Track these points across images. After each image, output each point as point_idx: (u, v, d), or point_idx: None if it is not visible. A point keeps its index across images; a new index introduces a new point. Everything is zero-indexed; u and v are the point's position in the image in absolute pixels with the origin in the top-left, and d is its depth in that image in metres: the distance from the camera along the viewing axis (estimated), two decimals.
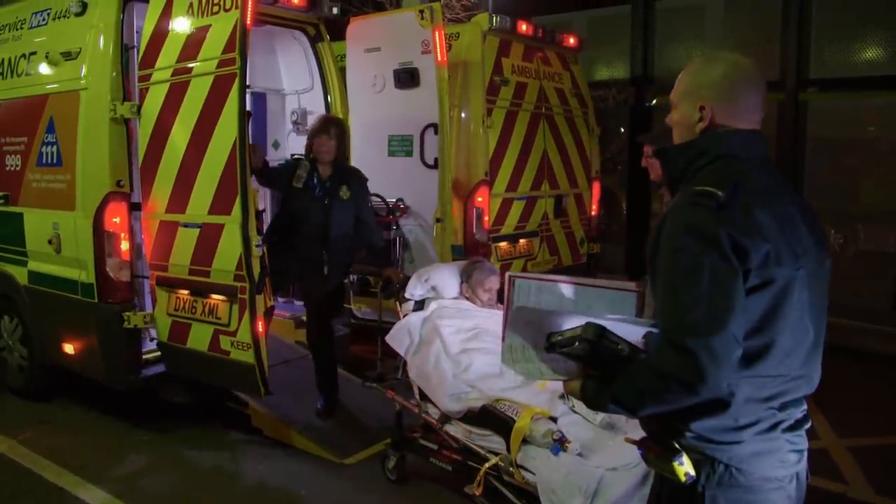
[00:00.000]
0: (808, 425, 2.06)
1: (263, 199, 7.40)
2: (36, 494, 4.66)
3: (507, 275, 3.42)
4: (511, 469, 3.78)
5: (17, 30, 5.92)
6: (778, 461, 1.97)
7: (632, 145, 9.98)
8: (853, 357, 7.52)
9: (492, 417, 4.02)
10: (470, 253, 6.69)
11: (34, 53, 5.65)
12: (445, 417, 4.30)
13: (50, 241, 5.41)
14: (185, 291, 5.11)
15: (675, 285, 1.88)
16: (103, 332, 5.21)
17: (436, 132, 6.42)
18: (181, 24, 4.95)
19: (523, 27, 7.30)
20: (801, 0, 8.82)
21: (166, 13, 5.02)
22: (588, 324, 1.95)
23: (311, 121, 6.57)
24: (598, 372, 2.00)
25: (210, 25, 4.74)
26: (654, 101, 10.25)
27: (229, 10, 4.65)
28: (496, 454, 3.92)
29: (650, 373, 1.87)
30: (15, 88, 5.84)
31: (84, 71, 5.18)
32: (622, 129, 10.91)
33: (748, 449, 1.93)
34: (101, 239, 5.06)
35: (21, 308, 5.91)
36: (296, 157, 5.78)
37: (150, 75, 5.10)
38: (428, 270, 5.00)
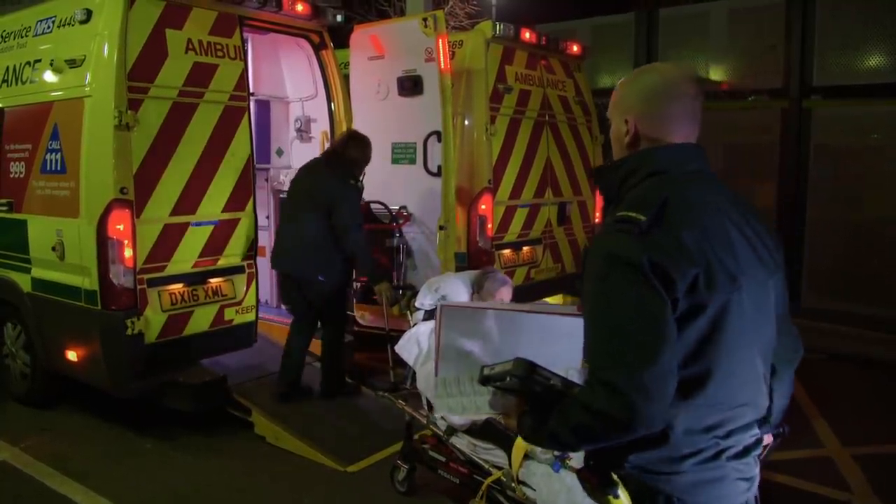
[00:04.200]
0: (758, 451, 1.96)
1: (267, 205, 7.42)
2: (39, 502, 4.66)
3: (438, 305, 3.33)
4: (513, 484, 3.76)
5: (21, 37, 5.93)
6: (722, 490, 1.86)
7: None
8: (857, 365, 7.51)
9: (495, 431, 4.01)
10: (473, 260, 6.68)
11: (39, 61, 5.66)
12: (452, 430, 4.28)
13: (53, 248, 5.41)
14: (180, 285, 5.54)
15: (599, 317, 1.78)
16: (106, 339, 5.20)
17: (439, 140, 6.43)
18: (184, 55, 5.46)
19: (527, 35, 7.31)
20: (805, 8, 8.84)
21: (159, 38, 5.32)
22: (517, 360, 1.87)
23: (320, 132, 6.94)
24: (535, 407, 1.89)
25: (218, 66, 5.67)
26: None
27: (234, 59, 5.79)
28: (500, 468, 3.91)
29: (582, 409, 1.74)
30: (20, 96, 5.86)
31: (88, 78, 5.19)
32: None
33: (690, 478, 1.82)
34: (105, 246, 5.06)
35: (24, 315, 5.91)
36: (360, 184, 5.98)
37: (146, 88, 5.23)
38: (438, 280, 4.99)
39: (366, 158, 5.89)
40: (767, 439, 2.46)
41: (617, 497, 1.83)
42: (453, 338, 2.95)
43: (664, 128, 1.94)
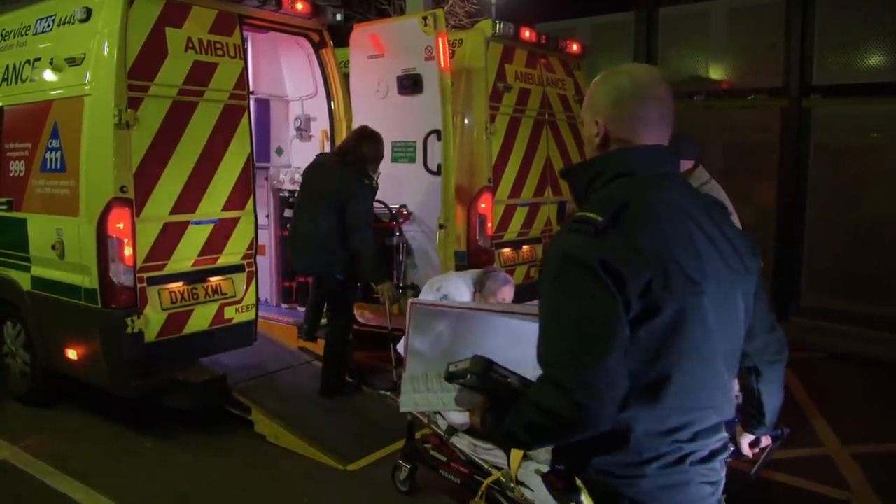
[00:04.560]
0: (725, 455, 1.96)
1: (267, 204, 7.42)
2: (39, 501, 4.66)
3: (408, 301, 3.36)
4: (512, 485, 3.76)
5: (21, 36, 5.93)
6: (687, 495, 1.86)
7: None
8: (857, 364, 7.52)
9: None
10: (473, 259, 6.68)
11: (38, 59, 5.66)
12: (452, 429, 4.28)
13: (53, 247, 5.41)
14: (180, 284, 5.55)
15: (551, 316, 1.79)
16: (106, 338, 5.21)
17: (439, 138, 6.43)
18: (184, 54, 5.46)
19: (526, 34, 7.31)
20: (805, 7, 8.82)
21: (159, 36, 5.31)
22: (475, 357, 1.91)
23: (320, 131, 6.96)
24: (495, 404, 1.92)
25: (218, 64, 5.67)
26: None
27: (234, 57, 5.78)
28: (499, 469, 3.91)
29: (534, 407, 1.76)
30: (19, 94, 5.85)
31: (88, 77, 5.19)
32: None
33: (653, 483, 1.82)
34: (105, 244, 5.07)
35: (24, 314, 5.91)
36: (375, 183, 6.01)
37: (146, 87, 5.23)
38: (441, 279, 4.98)
39: (378, 155, 5.89)
40: (765, 441, 2.48)
41: (580, 503, 1.85)
42: (422, 335, 3.03)
43: (633, 130, 1.94)
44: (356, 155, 5.75)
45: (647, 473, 1.81)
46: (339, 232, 5.61)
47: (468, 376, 1.91)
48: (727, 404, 1.94)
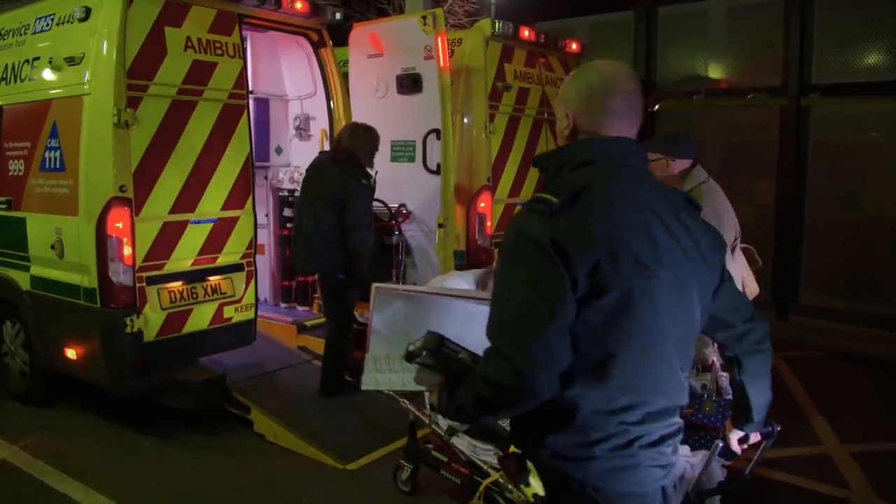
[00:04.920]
0: (676, 440, 2.01)
1: (266, 203, 7.42)
2: (38, 500, 4.66)
3: (372, 286, 3.47)
4: (510, 486, 3.76)
5: (20, 35, 5.92)
6: (636, 477, 1.91)
7: None
8: (856, 362, 7.52)
9: (492, 432, 4.01)
10: (472, 258, 6.68)
11: (38, 59, 5.65)
12: (452, 430, 4.27)
13: (53, 246, 5.41)
14: (179, 283, 5.57)
15: (501, 290, 1.88)
16: (106, 337, 5.21)
17: (438, 138, 6.43)
18: (183, 53, 5.47)
19: (526, 33, 7.31)
20: (804, 6, 8.83)
21: (158, 35, 5.31)
22: (428, 333, 1.99)
23: (319, 130, 6.96)
24: (450, 381, 1.99)
25: (217, 64, 5.67)
26: (657, 107, 10.26)
27: (233, 56, 5.79)
28: (498, 470, 3.90)
29: (480, 379, 1.85)
30: (18, 93, 5.85)
31: (87, 76, 5.19)
32: None
33: (603, 465, 1.88)
34: (104, 244, 5.06)
35: (23, 313, 5.91)
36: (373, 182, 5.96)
37: (145, 86, 5.24)
38: (442, 279, 4.97)
39: (373, 146, 5.85)
40: (755, 438, 2.48)
41: (528, 484, 1.95)
42: (385, 318, 3.15)
43: (600, 123, 2.01)
44: (347, 152, 5.72)
45: (596, 455, 1.88)
46: (340, 231, 5.61)
47: (423, 353, 1.99)
48: (678, 391, 1.99)
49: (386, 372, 2.30)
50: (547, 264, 1.78)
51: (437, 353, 1.97)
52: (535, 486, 1.94)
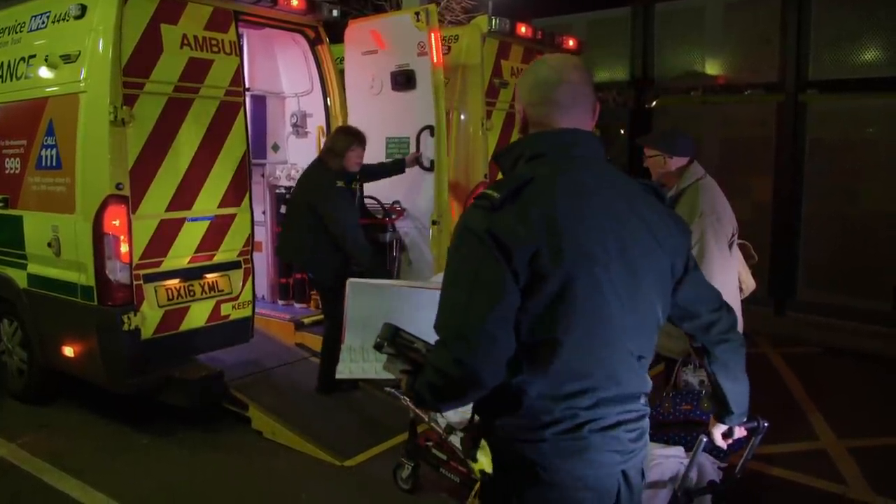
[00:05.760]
0: (637, 425, 2.02)
1: (263, 201, 7.42)
2: (36, 498, 4.66)
3: (347, 281, 3.55)
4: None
5: (16, 33, 5.90)
6: (587, 460, 1.94)
7: (632, 147, 9.99)
8: (853, 358, 7.54)
9: None
10: None
11: (33, 56, 5.64)
12: (451, 428, 4.28)
13: (49, 244, 5.41)
14: (176, 280, 5.58)
15: (446, 283, 1.93)
16: (103, 335, 5.21)
17: (432, 134, 6.42)
18: (180, 50, 5.46)
19: (522, 29, 7.30)
20: (800, 2, 8.83)
21: (154, 33, 5.30)
22: (385, 324, 2.06)
23: (316, 127, 6.93)
24: (413, 369, 2.05)
25: (213, 61, 5.66)
26: (655, 103, 10.26)
27: (230, 54, 5.77)
28: None
29: (431, 368, 1.92)
30: (14, 91, 5.83)
31: (83, 74, 5.18)
32: (622, 131, 10.92)
33: (553, 447, 1.92)
34: (101, 242, 5.06)
35: (20, 311, 5.90)
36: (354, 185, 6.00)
37: (142, 84, 5.24)
38: (440, 277, 4.97)
39: (345, 147, 5.75)
40: (739, 432, 2.48)
41: (475, 460, 2.03)
42: (359, 310, 3.25)
43: (549, 115, 2.05)
44: (333, 153, 5.75)
45: (545, 437, 1.92)
46: (320, 232, 5.62)
47: (385, 344, 2.05)
48: (634, 378, 2.01)
49: (360, 361, 2.38)
50: (487, 257, 1.83)
51: (392, 343, 2.03)
52: (484, 462, 2.00)
